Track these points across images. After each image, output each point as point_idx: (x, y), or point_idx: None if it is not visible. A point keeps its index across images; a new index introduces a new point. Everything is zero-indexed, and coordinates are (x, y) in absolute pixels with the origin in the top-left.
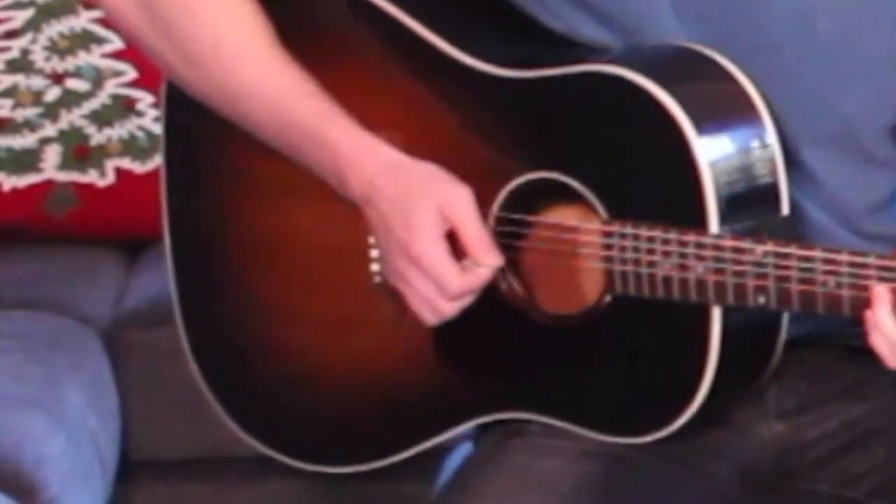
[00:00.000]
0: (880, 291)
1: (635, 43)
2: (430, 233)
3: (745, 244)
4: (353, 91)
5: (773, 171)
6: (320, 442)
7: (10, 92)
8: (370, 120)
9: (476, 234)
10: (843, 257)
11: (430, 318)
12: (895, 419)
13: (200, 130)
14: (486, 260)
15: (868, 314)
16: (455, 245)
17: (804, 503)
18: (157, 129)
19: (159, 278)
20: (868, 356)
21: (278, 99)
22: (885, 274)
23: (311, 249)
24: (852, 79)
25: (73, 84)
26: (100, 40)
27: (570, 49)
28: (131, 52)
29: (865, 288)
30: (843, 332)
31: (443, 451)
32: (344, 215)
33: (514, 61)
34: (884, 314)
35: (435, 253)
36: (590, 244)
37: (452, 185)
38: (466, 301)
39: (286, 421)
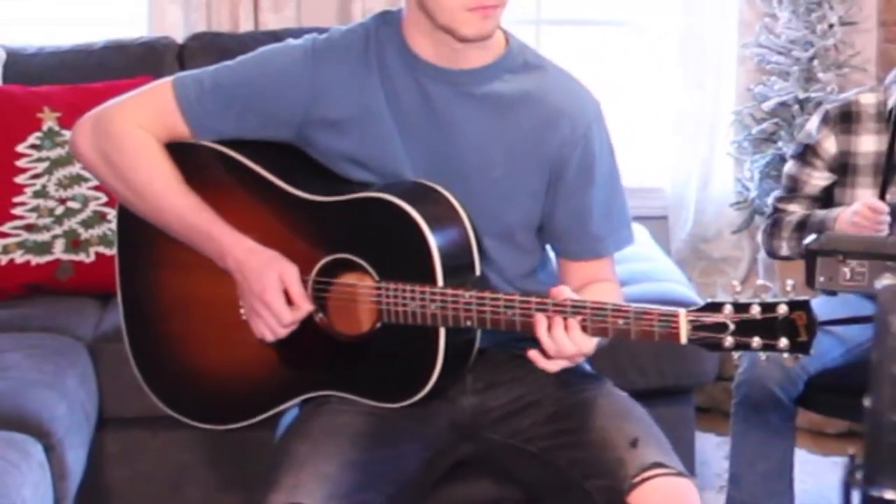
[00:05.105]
0: (539, 317)
1: (389, 180)
2: (275, 289)
3: (458, 292)
4: (226, 209)
5: (470, 252)
6: (208, 410)
7: (35, 209)
8: (237, 226)
9: (298, 291)
10: (516, 297)
11: (270, 337)
12: (541, 397)
13: (137, 232)
14: (303, 305)
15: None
16: (287, 298)
17: (488, 446)
18: None
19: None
20: (524, 359)
21: (185, 213)
22: (539, 307)
23: (204, 300)
24: (513, 202)
25: (71, 204)
26: (87, 180)
27: (351, 184)
28: (104, 187)
29: (529, 315)
30: (511, 345)
31: (281, 413)
32: (223, 282)
33: (319, 191)
34: (542, 331)
35: (277, 300)
36: (367, 295)
37: (286, 263)
38: (291, 328)
39: (188, 398)
